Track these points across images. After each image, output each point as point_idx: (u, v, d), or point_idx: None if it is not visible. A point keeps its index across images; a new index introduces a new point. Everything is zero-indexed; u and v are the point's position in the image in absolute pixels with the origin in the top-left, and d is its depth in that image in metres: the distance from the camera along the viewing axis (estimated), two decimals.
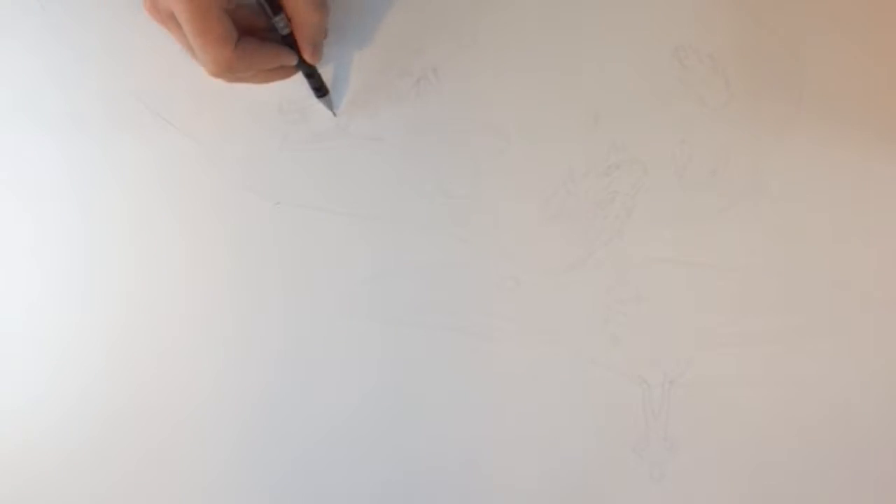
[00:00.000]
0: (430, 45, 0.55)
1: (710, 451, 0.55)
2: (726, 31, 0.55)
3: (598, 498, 0.55)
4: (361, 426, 0.56)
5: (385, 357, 0.55)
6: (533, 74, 0.55)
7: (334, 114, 0.55)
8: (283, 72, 0.52)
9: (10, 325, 0.56)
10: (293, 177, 0.55)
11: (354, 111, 0.55)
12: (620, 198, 0.55)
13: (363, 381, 0.56)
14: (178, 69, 0.55)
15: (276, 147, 0.55)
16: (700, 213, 0.55)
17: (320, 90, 0.53)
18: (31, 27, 0.55)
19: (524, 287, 0.56)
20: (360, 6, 0.55)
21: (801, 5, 0.55)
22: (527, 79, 0.55)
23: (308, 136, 0.55)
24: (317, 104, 0.55)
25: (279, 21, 0.49)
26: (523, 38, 0.55)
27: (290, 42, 0.50)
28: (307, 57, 0.51)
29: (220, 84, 0.55)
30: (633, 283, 0.55)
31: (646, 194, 0.55)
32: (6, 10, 0.55)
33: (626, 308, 0.55)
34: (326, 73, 0.54)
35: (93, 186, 0.56)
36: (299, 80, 0.54)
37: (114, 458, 0.56)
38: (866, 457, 0.55)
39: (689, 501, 0.55)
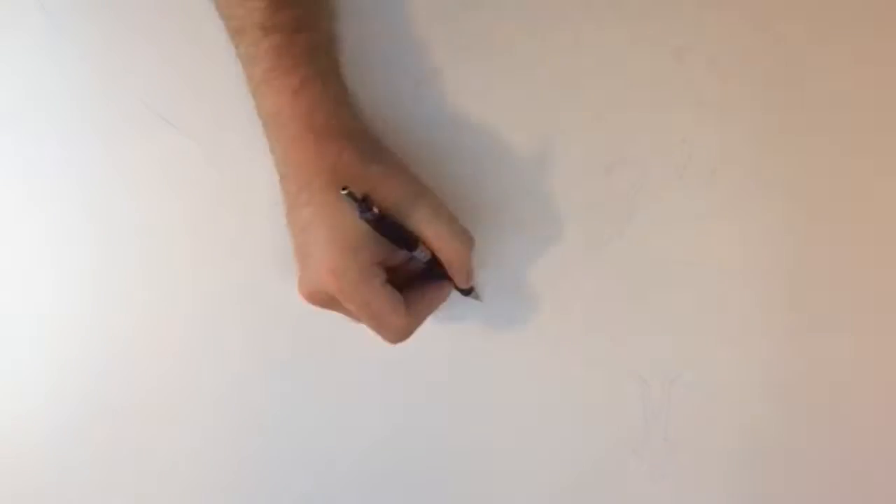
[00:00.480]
0: (429, 48, 0.55)
1: (709, 451, 0.55)
2: (726, 32, 0.55)
3: (598, 497, 0.55)
4: (361, 426, 0.56)
5: (386, 357, 0.55)
6: (533, 75, 0.55)
7: (481, 301, 0.55)
8: (442, 299, 0.52)
9: (12, 325, 0.56)
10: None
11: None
12: (619, 198, 0.55)
13: (364, 379, 0.56)
14: (180, 70, 0.55)
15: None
16: (700, 213, 0.55)
17: (466, 292, 0.54)
18: (32, 27, 0.55)
19: (524, 289, 0.56)
20: (359, 10, 0.55)
21: (801, 8, 0.55)
22: (526, 79, 0.55)
23: None
24: None
25: (419, 253, 0.48)
26: (523, 39, 0.55)
27: (434, 265, 0.49)
28: (462, 285, 0.51)
29: (220, 85, 0.55)
30: (633, 284, 0.55)
31: (646, 194, 0.55)
32: (6, 10, 0.55)
33: (625, 308, 0.55)
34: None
35: (94, 186, 0.56)
36: None
37: (115, 460, 0.56)
38: (865, 457, 0.55)
39: (689, 501, 0.55)
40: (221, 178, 0.55)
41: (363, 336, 0.55)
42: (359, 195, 0.44)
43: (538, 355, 0.55)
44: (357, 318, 0.48)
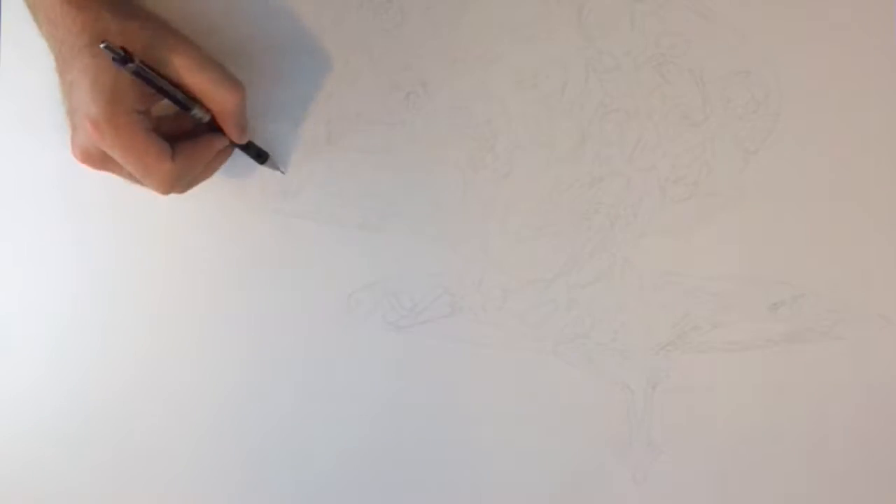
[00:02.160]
0: (418, 61, 0.56)
1: (691, 455, 0.56)
2: (706, 47, 0.56)
3: (581, 500, 0.56)
4: (354, 428, 0.56)
5: (378, 362, 0.56)
6: (520, 88, 0.56)
7: (283, 172, 0.56)
8: (223, 154, 0.54)
9: (13, 327, 0.57)
10: (288, 188, 0.57)
11: (346, 125, 0.56)
12: (605, 209, 0.56)
13: (357, 384, 0.56)
14: None
15: (270, 159, 0.56)
16: (682, 224, 0.56)
17: (260, 157, 0.55)
18: (31, 41, 0.56)
19: (511, 296, 0.57)
20: (350, 22, 0.56)
21: (779, 24, 0.56)
22: (514, 93, 0.56)
23: (302, 148, 0.57)
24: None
25: (197, 112, 0.49)
26: (510, 53, 0.56)
27: (214, 126, 0.51)
28: (235, 139, 0.52)
29: None
30: (617, 292, 0.56)
31: (629, 206, 0.56)
32: (7, 23, 0.56)
33: (609, 316, 0.56)
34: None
35: (90, 197, 0.57)
36: (291, 92, 0.55)
37: (105, 455, 0.57)
38: (845, 461, 0.56)
39: (671, 503, 0.56)
40: (216, 189, 0.56)
41: (355, 341, 0.56)
42: (117, 47, 0.46)
43: (525, 362, 0.56)
44: (129, 175, 0.49)
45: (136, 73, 0.46)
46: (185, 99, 0.49)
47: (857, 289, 0.56)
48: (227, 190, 0.56)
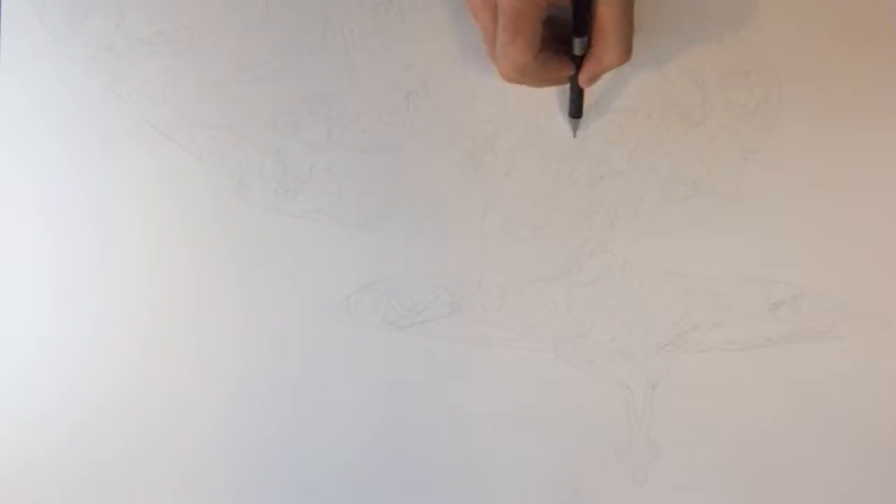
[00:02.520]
0: (418, 61, 0.56)
1: (692, 455, 0.56)
2: (706, 47, 0.56)
3: (582, 500, 0.56)
4: (353, 428, 0.56)
5: (378, 363, 0.56)
6: (519, 88, 0.56)
7: (574, 136, 0.56)
8: (558, 81, 0.53)
9: (16, 329, 0.57)
10: (288, 188, 0.57)
11: (346, 125, 0.56)
12: (604, 209, 0.57)
13: (356, 384, 0.56)
14: (180, 89, 0.56)
15: (270, 159, 0.56)
16: (682, 223, 0.56)
17: (576, 111, 0.55)
18: (34, 44, 0.57)
19: (511, 296, 0.57)
20: (350, 22, 0.56)
21: (779, 24, 0.56)
22: (514, 92, 0.56)
23: (302, 148, 0.57)
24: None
25: (579, 43, 0.49)
26: None
27: (577, 60, 0.51)
28: (582, 82, 0.52)
29: (217, 102, 0.56)
30: (617, 292, 0.56)
31: (629, 205, 0.56)
32: (8, 26, 0.57)
33: (609, 316, 0.56)
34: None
35: (96, 195, 0.57)
36: (291, 92, 0.55)
37: (103, 456, 0.57)
38: (845, 461, 0.56)
39: (671, 503, 0.56)
40: (219, 189, 0.56)
41: (357, 340, 0.56)
42: None
43: (524, 362, 0.56)
44: (488, 36, 0.50)
45: None
46: (586, 24, 0.48)
47: (857, 289, 0.56)
48: (227, 189, 0.56)
